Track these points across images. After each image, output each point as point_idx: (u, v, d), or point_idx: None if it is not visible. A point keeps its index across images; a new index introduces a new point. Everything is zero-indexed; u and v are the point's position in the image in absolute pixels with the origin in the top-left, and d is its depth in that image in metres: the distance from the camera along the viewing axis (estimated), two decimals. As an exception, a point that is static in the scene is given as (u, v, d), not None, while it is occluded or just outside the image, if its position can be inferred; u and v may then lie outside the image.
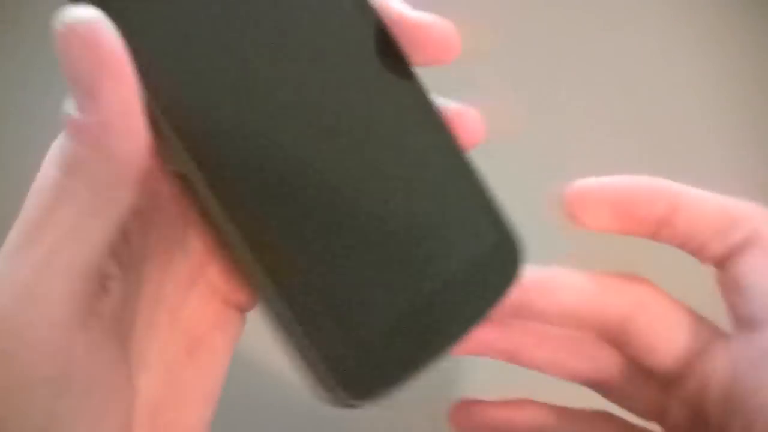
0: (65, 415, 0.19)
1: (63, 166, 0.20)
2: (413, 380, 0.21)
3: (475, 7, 0.45)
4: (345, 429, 0.37)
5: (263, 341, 0.23)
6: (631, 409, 0.28)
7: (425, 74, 0.24)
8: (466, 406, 0.28)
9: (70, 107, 0.19)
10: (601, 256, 0.28)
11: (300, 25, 0.22)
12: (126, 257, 0.22)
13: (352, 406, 0.20)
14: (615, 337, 0.27)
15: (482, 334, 0.26)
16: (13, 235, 0.20)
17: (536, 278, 0.25)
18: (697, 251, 0.26)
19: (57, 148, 0.20)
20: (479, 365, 0.32)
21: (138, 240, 0.23)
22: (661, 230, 0.26)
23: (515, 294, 0.23)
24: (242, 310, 0.24)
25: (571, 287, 0.26)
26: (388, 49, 0.22)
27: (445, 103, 0.24)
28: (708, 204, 0.25)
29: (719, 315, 0.27)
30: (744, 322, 0.25)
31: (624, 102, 0.47)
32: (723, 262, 0.26)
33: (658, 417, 0.28)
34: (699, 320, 0.26)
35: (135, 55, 0.19)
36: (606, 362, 0.27)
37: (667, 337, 0.26)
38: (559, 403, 0.29)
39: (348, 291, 0.21)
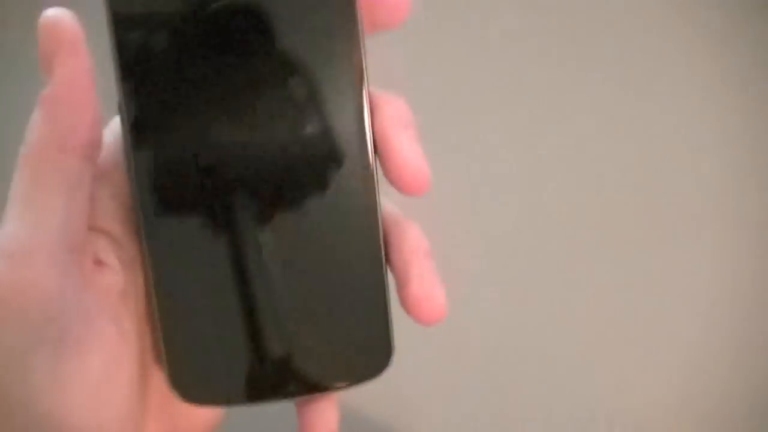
0: (69, 375, 0.21)
1: (26, 134, 0.22)
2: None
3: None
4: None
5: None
6: None
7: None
8: None
9: None
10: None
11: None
12: (126, 258, 0.24)
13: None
14: None
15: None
16: None
17: None
18: None
19: None
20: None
21: (131, 247, 0.25)
22: None
23: None
24: None
25: None
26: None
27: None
28: None
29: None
30: None
31: (623, 102, 0.47)
32: None
33: None
34: None
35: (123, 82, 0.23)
36: None
37: None
38: None
39: (221, 332, 0.24)
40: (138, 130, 0.23)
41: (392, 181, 0.23)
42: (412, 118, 0.24)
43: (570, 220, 0.48)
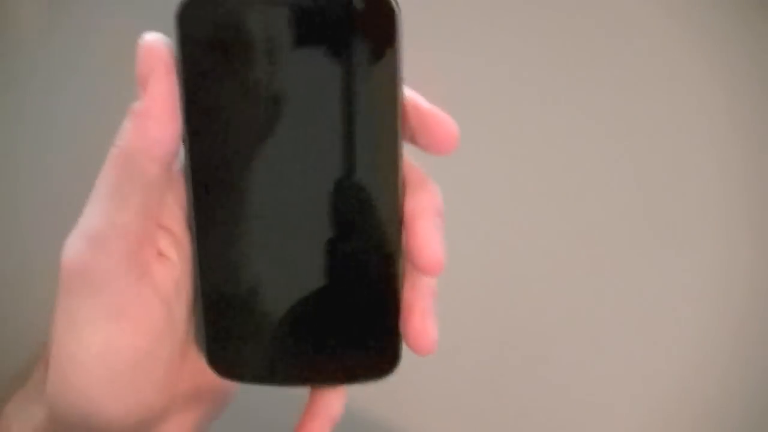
0: (121, 345, 0.26)
1: (115, 140, 0.26)
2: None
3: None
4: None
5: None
6: None
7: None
8: None
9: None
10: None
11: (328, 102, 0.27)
12: (183, 254, 0.28)
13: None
14: None
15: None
16: None
17: None
18: None
19: None
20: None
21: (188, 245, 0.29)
22: None
23: None
24: None
25: None
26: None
27: (426, 103, 0.28)
28: None
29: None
30: None
31: (623, 102, 0.47)
32: None
33: None
34: None
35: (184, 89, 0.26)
36: None
37: None
38: None
39: (256, 313, 0.28)
40: (195, 147, 0.27)
41: (411, 260, 0.27)
42: (441, 206, 0.28)
43: (569, 220, 0.48)
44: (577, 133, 0.48)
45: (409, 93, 0.27)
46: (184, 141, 0.27)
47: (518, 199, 0.48)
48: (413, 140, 0.27)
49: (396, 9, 0.26)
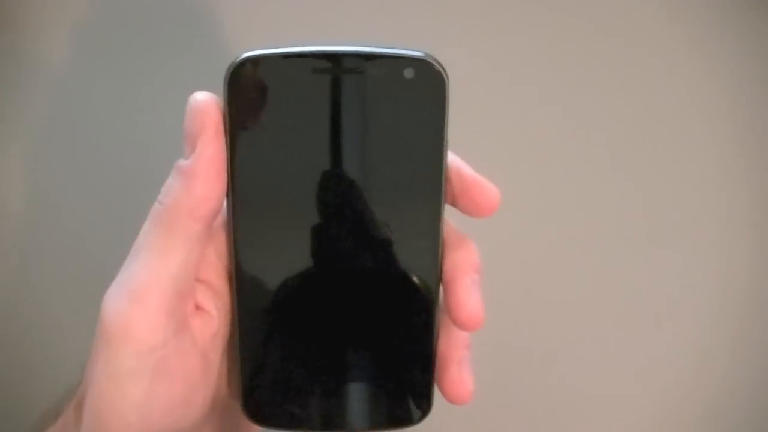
0: (159, 395, 0.27)
1: (160, 195, 0.27)
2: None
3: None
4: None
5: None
6: None
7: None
8: None
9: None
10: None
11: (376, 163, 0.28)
12: (221, 306, 0.29)
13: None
14: None
15: None
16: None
17: None
18: None
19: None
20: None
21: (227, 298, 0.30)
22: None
23: None
24: None
25: None
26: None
27: (469, 170, 0.29)
28: None
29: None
30: None
31: (623, 103, 0.48)
32: None
33: None
34: None
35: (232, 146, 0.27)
36: None
37: None
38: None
39: (292, 367, 0.29)
40: (239, 204, 0.27)
41: (450, 315, 0.28)
42: (480, 264, 0.28)
43: (571, 221, 0.49)
44: (577, 133, 0.48)
45: (454, 159, 0.28)
46: (227, 197, 0.27)
47: (519, 199, 0.48)
48: (454, 203, 0.28)
49: (445, 78, 0.26)
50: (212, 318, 0.28)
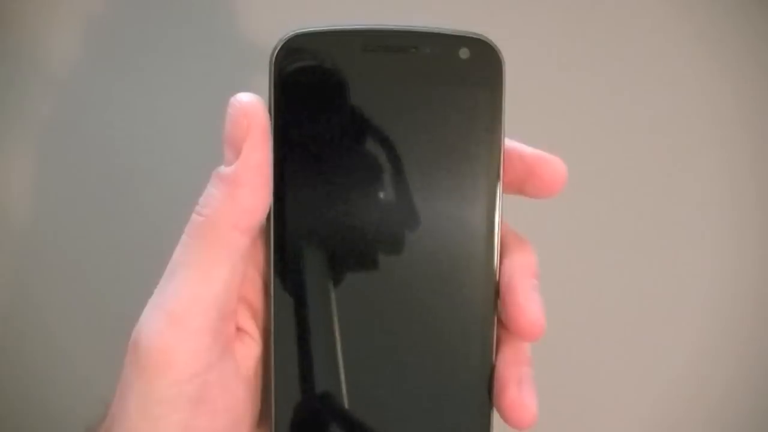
0: (198, 429, 0.24)
1: (198, 206, 0.24)
2: None
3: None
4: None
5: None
6: None
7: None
8: None
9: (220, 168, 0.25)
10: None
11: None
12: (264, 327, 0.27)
13: None
14: None
15: None
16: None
17: None
18: None
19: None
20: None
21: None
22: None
23: None
24: None
25: None
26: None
27: (529, 149, 0.27)
28: None
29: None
30: None
31: (627, 102, 0.47)
32: None
33: None
34: None
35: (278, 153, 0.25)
36: None
37: None
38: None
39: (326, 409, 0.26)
40: (283, 215, 0.25)
41: (508, 324, 0.25)
42: (537, 267, 0.26)
43: (569, 221, 0.48)
44: (581, 132, 0.47)
45: (511, 142, 0.26)
46: (270, 215, 0.25)
47: (521, 199, 0.47)
48: (521, 189, 0.26)
49: (502, 59, 0.25)
50: (254, 341, 0.26)
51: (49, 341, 0.48)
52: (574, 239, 0.49)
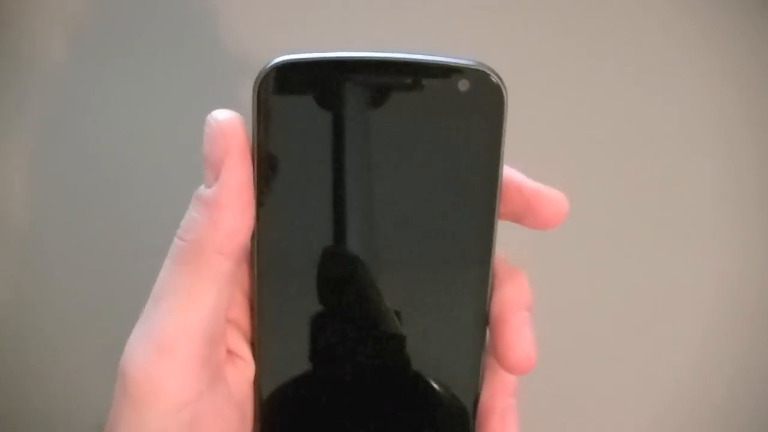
0: None
1: (180, 230, 0.24)
2: None
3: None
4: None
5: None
6: None
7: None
8: None
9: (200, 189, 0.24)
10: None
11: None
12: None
13: None
14: None
15: None
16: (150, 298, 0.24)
17: None
18: None
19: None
20: None
21: None
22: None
23: None
24: None
25: None
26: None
27: (529, 183, 0.26)
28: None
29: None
30: None
31: (627, 102, 0.47)
32: None
33: None
34: None
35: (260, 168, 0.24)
36: None
37: None
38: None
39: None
40: (266, 236, 0.24)
41: (497, 357, 0.25)
42: (531, 299, 0.25)
43: (570, 221, 0.47)
44: (582, 132, 0.47)
45: (510, 172, 0.25)
46: (253, 235, 0.24)
47: None
48: (518, 221, 0.25)
49: (504, 92, 0.23)
50: (246, 363, 0.25)
51: (47, 341, 0.48)
52: (574, 239, 0.48)
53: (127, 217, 0.47)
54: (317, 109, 0.23)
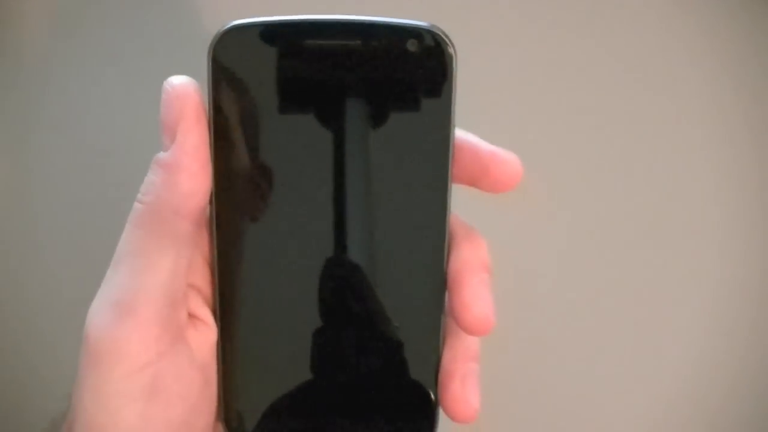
0: (155, 419, 0.24)
1: (139, 194, 0.24)
2: None
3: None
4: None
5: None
6: None
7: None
8: None
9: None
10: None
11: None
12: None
13: None
14: None
15: None
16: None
17: None
18: None
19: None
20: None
21: None
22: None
23: None
24: None
25: None
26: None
27: (485, 146, 0.26)
28: None
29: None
30: None
31: (625, 102, 0.47)
32: None
33: None
34: None
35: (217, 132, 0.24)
36: None
37: None
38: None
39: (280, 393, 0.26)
40: (223, 199, 0.25)
41: (455, 318, 0.25)
42: (489, 261, 0.25)
43: (570, 221, 0.48)
44: (581, 131, 0.46)
45: (465, 136, 0.25)
46: (212, 200, 0.25)
47: (521, 198, 0.47)
48: (473, 184, 0.25)
49: (453, 51, 0.24)
50: (208, 327, 0.25)
51: (47, 341, 0.49)
52: (574, 239, 0.48)
53: (126, 216, 0.48)
54: (270, 71, 0.23)
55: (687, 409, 0.50)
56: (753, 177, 0.48)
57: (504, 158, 0.25)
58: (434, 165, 0.24)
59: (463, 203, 0.27)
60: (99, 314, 0.23)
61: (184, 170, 0.23)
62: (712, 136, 0.47)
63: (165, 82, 0.24)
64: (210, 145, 0.24)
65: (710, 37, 0.46)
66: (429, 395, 0.26)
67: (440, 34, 0.23)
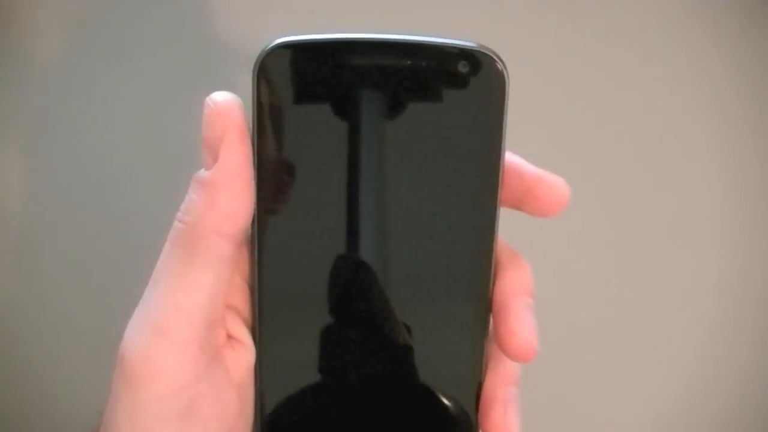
0: None
1: (179, 212, 0.24)
2: None
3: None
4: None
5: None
6: None
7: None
8: None
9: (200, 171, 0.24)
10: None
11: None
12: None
13: None
14: None
15: None
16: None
17: None
18: None
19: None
20: None
21: None
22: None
23: None
24: None
25: None
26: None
27: (530, 168, 0.25)
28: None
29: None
30: None
31: (627, 103, 0.47)
32: None
33: None
34: None
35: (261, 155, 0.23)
36: None
37: None
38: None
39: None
40: (266, 220, 0.24)
41: (499, 343, 0.24)
42: (533, 286, 0.25)
43: (571, 222, 0.48)
44: (582, 133, 0.47)
45: (511, 158, 0.24)
46: (254, 223, 0.24)
47: None
48: (518, 207, 0.25)
49: (506, 74, 0.23)
50: (246, 349, 0.25)
51: (47, 341, 0.49)
52: (575, 240, 0.48)
53: (126, 216, 0.48)
54: (317, 90, 0.23)
55: (687, 409, 0.51)
56: (755, 178, 0.48)
57: (550, 181, 0.24)
58: (484, 189, 0.24)
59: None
60: (135, 335, 0.23)
61: (225, 190, 0.23)
62: (716, 138, 0.48)
63: (207, 98, 0.23)
64: (253, 165, 0.23)
65: (714, 38, 0.47)
66: (470, 420, 0.25)
67: (492, 55, 0.23)
